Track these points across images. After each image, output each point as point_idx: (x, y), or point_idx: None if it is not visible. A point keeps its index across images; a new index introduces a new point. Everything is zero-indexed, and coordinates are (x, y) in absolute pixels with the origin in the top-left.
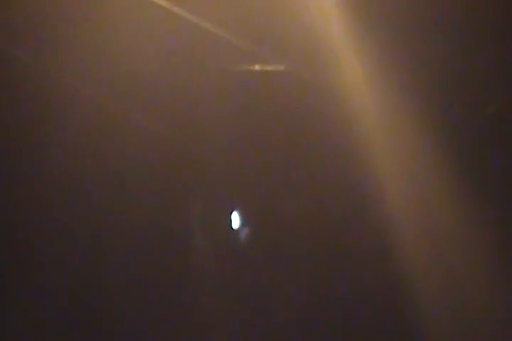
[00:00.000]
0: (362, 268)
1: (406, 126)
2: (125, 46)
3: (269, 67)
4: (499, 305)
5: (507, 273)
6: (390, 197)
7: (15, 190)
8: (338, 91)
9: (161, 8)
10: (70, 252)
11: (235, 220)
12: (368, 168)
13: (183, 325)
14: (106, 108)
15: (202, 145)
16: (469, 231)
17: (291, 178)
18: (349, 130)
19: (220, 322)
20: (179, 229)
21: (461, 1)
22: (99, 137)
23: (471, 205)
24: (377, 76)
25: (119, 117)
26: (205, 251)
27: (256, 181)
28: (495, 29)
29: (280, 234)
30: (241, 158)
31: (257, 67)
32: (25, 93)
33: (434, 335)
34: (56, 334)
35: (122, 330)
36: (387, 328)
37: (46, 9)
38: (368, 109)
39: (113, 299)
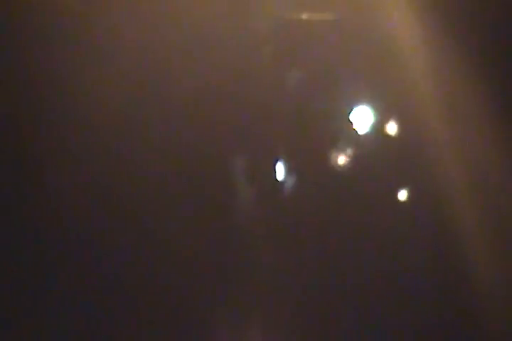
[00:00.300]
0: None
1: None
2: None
3: (317, 16)
4: None
5: None
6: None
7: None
8: (386, 42)
9: None
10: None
11: (280, 171)
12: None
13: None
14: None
15: (246, 93)
16: None
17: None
18: (395, 82)
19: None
20: (222, 179)
21: None
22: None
23: None
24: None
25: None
26: (250, 201)
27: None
28: None
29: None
30: (283, 106)
31: (304, 17)
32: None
33: None
34: None
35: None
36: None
37: None
38: (417, 60)
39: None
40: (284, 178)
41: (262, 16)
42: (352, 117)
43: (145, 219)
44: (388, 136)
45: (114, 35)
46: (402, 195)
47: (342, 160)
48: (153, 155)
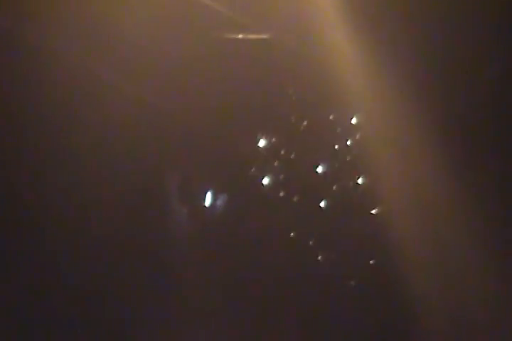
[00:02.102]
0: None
1: (391, 97)
2: (115, 14)
3: (253, 36)
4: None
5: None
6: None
7: None
8: (321, 59)
9: None
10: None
11: (211, 194)
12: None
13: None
14: (94, 74)
15: (186, 112)
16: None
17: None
18: (332, 96)
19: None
20: (158, 193)
21: None
22: (86, 103)
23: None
24: (364, 47)
25: (105, 84)
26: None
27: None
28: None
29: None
30: (223, 123)
31: (241, 35)
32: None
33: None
34: None
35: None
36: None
37: None
38: (352, 80)
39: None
40: (213, 199)
41: (198, 35)
42: (282, 137)
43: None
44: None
45: None
46: (331, 205)
47: (269, 182)
48: (88, 168)
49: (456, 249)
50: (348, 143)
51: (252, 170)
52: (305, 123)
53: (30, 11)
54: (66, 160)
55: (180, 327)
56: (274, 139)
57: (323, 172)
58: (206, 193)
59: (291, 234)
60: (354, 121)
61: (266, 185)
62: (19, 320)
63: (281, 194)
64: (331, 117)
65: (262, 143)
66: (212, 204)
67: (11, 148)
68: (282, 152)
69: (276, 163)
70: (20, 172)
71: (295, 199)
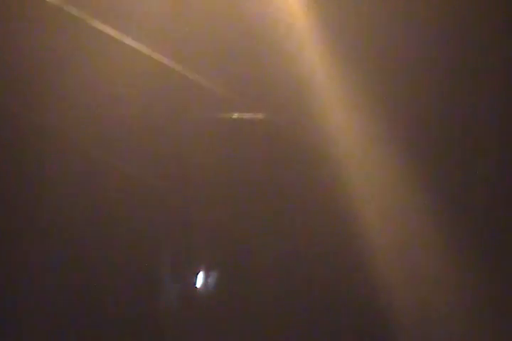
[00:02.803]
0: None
1: (389, 170)
2: (111, 93)
3: (247, 115)
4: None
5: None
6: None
7: None
8: (314, 137)
9: (145, 56)
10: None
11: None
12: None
13: None
14: (90, 154)
15: (181, 192)
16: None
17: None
18: (328, 175)
19: None
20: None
21: None
22: (82, 183)
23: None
24: (363, 128)
25: (101, 163)
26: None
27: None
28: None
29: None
30: (220, 205)
31: (235, 115)
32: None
33: None
34: None
35: None
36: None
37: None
38: (347, 156)
39: None
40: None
41: (190, 116)
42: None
43: None
44: None
45: None
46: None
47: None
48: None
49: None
50: None
51: (247, 250)
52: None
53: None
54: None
55: None
56: (269, 215)
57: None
58: (198, 273)
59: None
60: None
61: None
62: None
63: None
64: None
65: (257, 219)
66: (203, 285)
67: None
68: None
69: (273, 237)
70: None
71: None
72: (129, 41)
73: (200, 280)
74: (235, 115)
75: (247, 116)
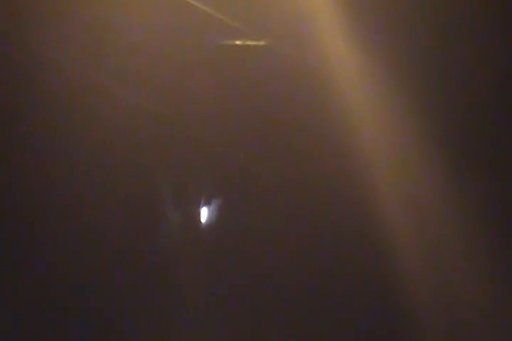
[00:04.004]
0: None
1: (392, 106)
2: (114, 20)
3: (251, 42)
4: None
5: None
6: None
7: None
8: (319, 67)
9: None
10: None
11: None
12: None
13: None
14: (92, 81)
15: (183, 120)
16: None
17: (272, 157)
18: (330, 106)
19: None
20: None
21: None
22: (84, 109)
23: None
24: (361, 53)
25: (103, 90)
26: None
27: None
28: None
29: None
30: (221, 131)
31: (239, 42)
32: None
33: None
34: None
35: None
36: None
37: None
38: (351, 86)
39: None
40: (209, 204)
41: (196, 43)
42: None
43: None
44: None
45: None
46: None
47: (269, 189)
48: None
49: (451, 252)
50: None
51: (250, 176)
52: (302, 127)
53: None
54: (63, 164)
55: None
56: (270, 145)
57: (318, 176)
58: (202, 198)
59: (288, 238)
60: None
61: (263, 190)
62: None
63: (278, 199)
64: (327, 122)
65: (258, 149)
66: (208, 210)
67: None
68: (278, 157)
69: (273, 169)
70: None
71: (292, 203)
72: None
73: (204, 211)
74: (238, 42)
75: (250, 42)
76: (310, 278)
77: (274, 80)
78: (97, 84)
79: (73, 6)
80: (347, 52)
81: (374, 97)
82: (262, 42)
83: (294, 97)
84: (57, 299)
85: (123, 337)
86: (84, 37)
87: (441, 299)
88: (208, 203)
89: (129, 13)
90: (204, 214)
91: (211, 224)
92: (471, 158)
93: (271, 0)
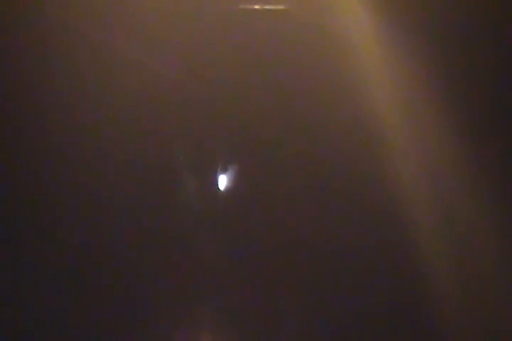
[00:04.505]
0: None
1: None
2: None
3: (268, 7)
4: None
5: None
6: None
7: None
8: (339, 34)
9: None
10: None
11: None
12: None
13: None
14: (108, 46)
15: (199, 86)
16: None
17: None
18: (348, 75)
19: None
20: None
21: None
22: (100, 75)
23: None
24: (383, 24)
25: (119, 55)
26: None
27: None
28: None
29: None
30: (240, 98)
31: (256, 7)
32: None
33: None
34: None
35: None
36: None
37: None
38: (371, 56)
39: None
40: (226, 172)
41: (213, 8)
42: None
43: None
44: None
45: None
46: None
47: (287, 157)
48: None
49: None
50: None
51: (268, 145)
52: (319, 97)
53: None
54: (78, 134)
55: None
56: (287, 113)
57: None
58: (219, 166)
59: (305, 212)
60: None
61: (282, 161)
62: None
63: (297, 171)
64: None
65: (275, 117)
66: (225, 179)
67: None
68: (295, 127)
69: (290, 139)
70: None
71: (310, 178)
72: None
73: (220, 178)
74: (257, 6)
75: (268, 7)
76: (327, 248)
77: (292, 47)
78: (116, 50)
79: None
80: (367, 20)
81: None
82: (280, 7)
83: (312, 65)
84: (80, 276)
85: (144, 306)
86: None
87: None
88: (224, 170)
89: None
90: (221, 181)
91: (228, 191)
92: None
93: None
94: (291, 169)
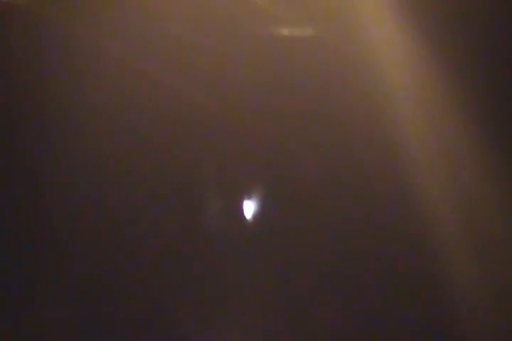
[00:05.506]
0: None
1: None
2: (156, 8)
3: (296, 32)
4: None
5: None
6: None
7: None
8: (364, 58)
9: None
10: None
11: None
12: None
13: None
14: (133, 67)
15: (224, 110)
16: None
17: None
18: (374, 98)
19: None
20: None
21: None
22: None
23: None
24: (409, 47)
25: (143, 75)
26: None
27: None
28: None
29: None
30: (263, 122)
31: (283, 32)
32: None
33: None
34: None
35: None
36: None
37: None
38: (397, 81)
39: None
40: (253, 195)
41: (244, 35)
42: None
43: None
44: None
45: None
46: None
47: (313, 173)
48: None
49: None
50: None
51: (297, 167)
52: (349, 121)
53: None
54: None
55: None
56: (317, 137)
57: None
58: (245, 189)
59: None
60: (399, 120)
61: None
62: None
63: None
64: (374, 116)
65: (304, 140)
66: (251, 201)
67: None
68: (323, 148)
69: (319, 160)
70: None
71: (339, 197)
72: None
73: (248, 202)
74: (285, 31)
75: (296, 32)
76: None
77: (319, 72)
78: (140, 71)
79: None
80: (396, 43)
81: (425, 92)
82: (307, 32)
83: (339, 90)
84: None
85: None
86: (131, 27)
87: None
88: (251, 194)
89: (176, 4)
90: (248, 205)
91: (256, 215)
92: None
93: None
94: (317, 189)
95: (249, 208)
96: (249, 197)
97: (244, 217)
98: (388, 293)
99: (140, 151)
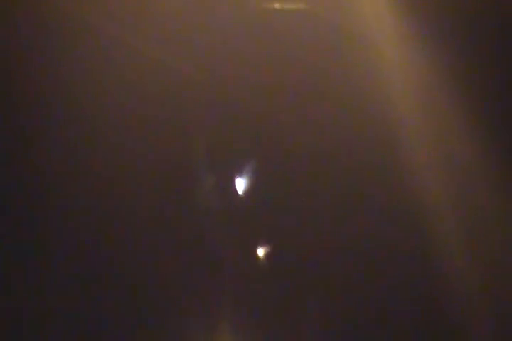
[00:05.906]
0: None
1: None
2: None
3: (290, 6)
4: None
5: None
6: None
7: None
8: (361, 33)
9: None
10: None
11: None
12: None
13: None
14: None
15: (215, 85)
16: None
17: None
18: (369, 72)
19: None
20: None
21: None
22: (115, 72)
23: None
24: (407, 23)
25: (142, 55)
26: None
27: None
28: None
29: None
30: (254, 99)
31: (277, 6)
32: None
33: None
34: None
35: None
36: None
37: None
38: (392, 57)
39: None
40: (245, 172)
41: (237, 8)
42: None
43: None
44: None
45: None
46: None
47: (307, 156)
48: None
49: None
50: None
51: (290, 140)
52: (344, 98)
53: None
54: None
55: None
56: (305, 113)
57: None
58: (236, 163)
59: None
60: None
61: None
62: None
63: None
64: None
65: (293, 117)
66: (242, 175)
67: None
68: (314, 127)
69: (312, 136)
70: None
71: (333, 174)
72: None
73: (239, 176)
74: (278, 5)
75: (289, 5)
76: (348, 246)
77: (313, 46)
78: (136, 49)
79: None
80: (390, 19)
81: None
82: (300, 6)
83: (334, 64)
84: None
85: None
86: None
87: None
88: (242, 168)
89: None
90: (239, 179)
91: (247, 190)
92: None
93: None
94: (310, 169)
95: (242, 185)
96: (241, 174)
97: (236, 193)
98: (384, 283)
99: (129, 127)
